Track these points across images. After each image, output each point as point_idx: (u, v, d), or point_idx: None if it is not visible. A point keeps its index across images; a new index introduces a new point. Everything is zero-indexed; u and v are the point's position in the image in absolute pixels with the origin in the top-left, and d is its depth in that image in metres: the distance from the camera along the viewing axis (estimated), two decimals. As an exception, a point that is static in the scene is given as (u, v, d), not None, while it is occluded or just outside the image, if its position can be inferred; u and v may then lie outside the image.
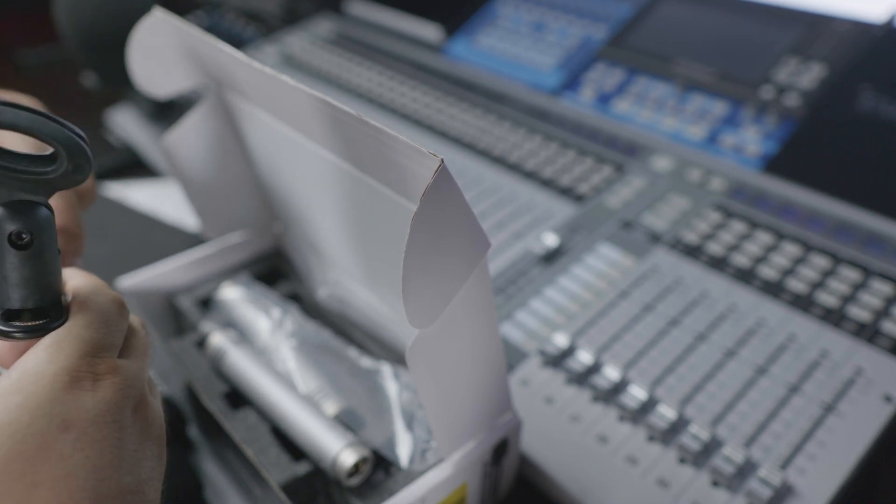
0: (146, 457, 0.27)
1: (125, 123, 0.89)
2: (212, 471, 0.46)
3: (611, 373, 0.46)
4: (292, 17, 1.09)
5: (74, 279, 0.30)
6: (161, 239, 0.68)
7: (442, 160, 0.25)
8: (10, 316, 0.27)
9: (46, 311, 0.27)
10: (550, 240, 0.57)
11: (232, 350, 0.44)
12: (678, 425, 0.43)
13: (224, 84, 0.43)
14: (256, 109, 0.41)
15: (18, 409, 0.24)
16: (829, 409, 0.43)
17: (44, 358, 0.26)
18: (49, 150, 0.25)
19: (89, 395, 0.25)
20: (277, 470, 0.38)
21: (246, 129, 0.47)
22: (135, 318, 0.31)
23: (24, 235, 0.25)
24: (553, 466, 0.43)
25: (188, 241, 0.65)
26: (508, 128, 0.75)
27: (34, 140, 0.28)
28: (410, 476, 0.37)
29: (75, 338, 0.27)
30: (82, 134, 0.25)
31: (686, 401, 0.45)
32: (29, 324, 0.27)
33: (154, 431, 0.28)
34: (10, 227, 0.25)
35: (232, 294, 0.50)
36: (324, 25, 1.05)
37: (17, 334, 0.27)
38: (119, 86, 0.85)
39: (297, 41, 1.01)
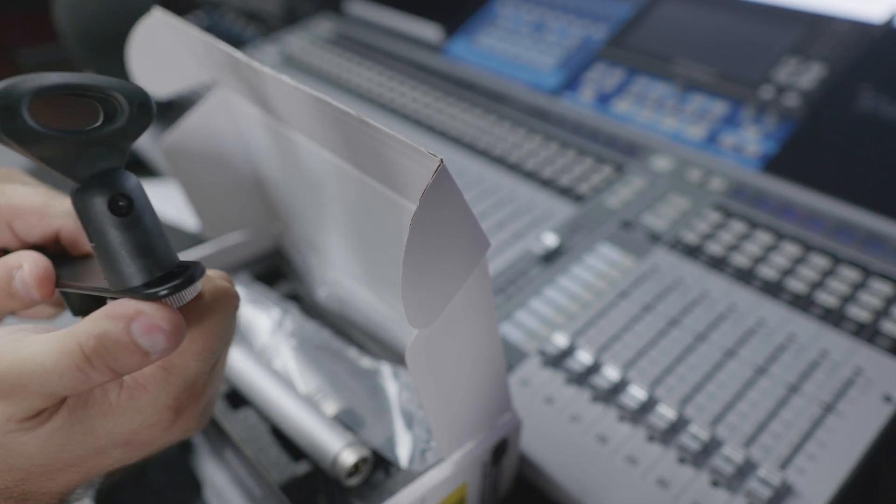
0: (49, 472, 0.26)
1: (125, 123, 0.89)
2: (212, 471, 0.46)
3: (611, 373, 0.46)
4: (292, 17, 1.09)
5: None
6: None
7: (441, 160, 0.25)
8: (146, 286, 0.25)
9: (173, 275, 0.26)
10: (550, 240, 0.57)
11: (231, 350, 0.44)
12: (678, 425, 0.43)
13: (224, 84, 0.43)
14: (256, 109, 0.41)
15: None
16: (828, 409, 0.43)
17: None
18: (99, 119, 0.25)
19: None
20: (277, 470, 0.38)
21: (246, 129, 0.47)
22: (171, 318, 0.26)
23: (120, 202, 0.25)
24: (553, 466, 0.43)
25: (188, 241, 0.65)
26: (508, 128, 0.75)
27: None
28: (410, 476, 0.37)
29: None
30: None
31: (686, 401, 0.45)
32: (171, 283, 0.25)
33: (90, 442, 0.26)
34: (105, 197, 0.24)
35: (232, 294, 0.50)
36: (324, 25, 1.05)
37: (163, 292, 0.25)
38: (119, 86, 0.85)
39: (297, 41, 1.01)
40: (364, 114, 0.27)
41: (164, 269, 0.26)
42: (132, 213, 0.25)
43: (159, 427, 0.27)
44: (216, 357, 0.28)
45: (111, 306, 0.25)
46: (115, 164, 0.25)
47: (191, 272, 0.26)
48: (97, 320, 0.25)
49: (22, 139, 0.22)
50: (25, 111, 0.22)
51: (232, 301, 0.29)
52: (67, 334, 0.25)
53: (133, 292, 0.25)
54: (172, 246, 0.27)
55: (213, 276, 0.29)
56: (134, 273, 0.25)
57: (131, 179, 0.26)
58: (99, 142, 0.24)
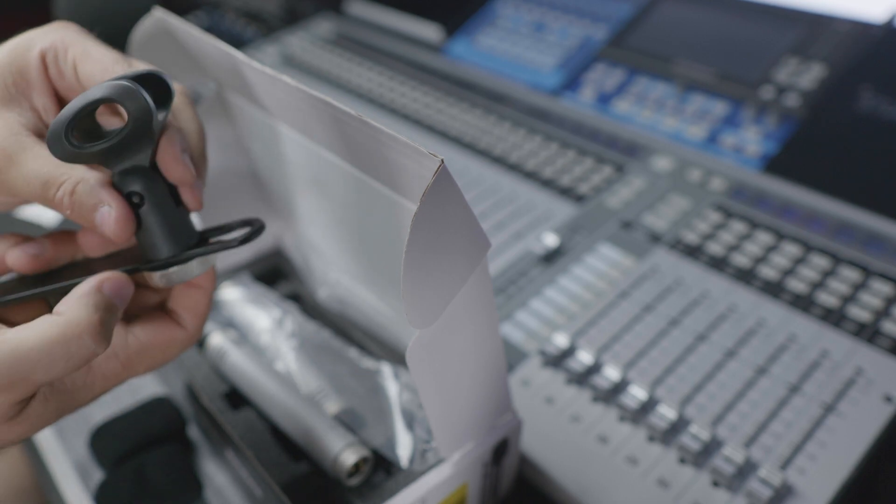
0: None
1: (125, 123, 0.89)
2: (212, 471, 0.46)
3: (611, 373, 0.46)
4: (292, 17, 1.09)
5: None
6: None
7: (442, 160, 0.25)
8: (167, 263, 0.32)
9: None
10: (550, 240, 0.57)
11: (232, 350, 0.44)
12: (678, 425, 0.43)
13: (224, 84, 0.43)
14: (256, 109, 0.41)
15: None
16: (829, 409, 0.43)
17: None
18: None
19: None
20: (277, 470, 0.38)
21: (246, 129, 0.47)
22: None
23: (134, 198, 0.31)
24: (553, 466, 0.43)
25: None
26: (508, 128, 0.75)
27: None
28: (411, 476, 0.37)
29: None
30: (135, 78, 0.29)
31: (686, 401, 0.45)
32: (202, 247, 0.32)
33: None
34: (122, 192, 0.30)
35: (232, 294, 0.50)
36: (324, 25, 1.05)
37: (194, 254, 0.32)
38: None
39: (297, 41, 1.01)
40: (364, 114, 0.27)
41: (178, 249, 0.32)
42: (143, 207, 0.31)
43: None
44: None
45: (78, 287, 0.29)
46: (137, 163, 0.30)
47: (187, 254, 0.32)
48: (82, 298, 0.28)
49: (65, 158, 0.29)
50: (65, 137, 0.28)
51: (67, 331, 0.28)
52: (57, 322, 0.27)
53: (153, 264, 0.32)
54: (189, 232, 0.32)
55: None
56: (159, 250, 0.32)
57: (142, 180, 0.30)
58: (115, 150, 0.29)
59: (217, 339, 0.45)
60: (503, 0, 0.94)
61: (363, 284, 0.45)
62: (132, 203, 0.31)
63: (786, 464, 0.41)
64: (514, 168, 0.68)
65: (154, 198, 0.31)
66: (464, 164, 0.70)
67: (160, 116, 0.30)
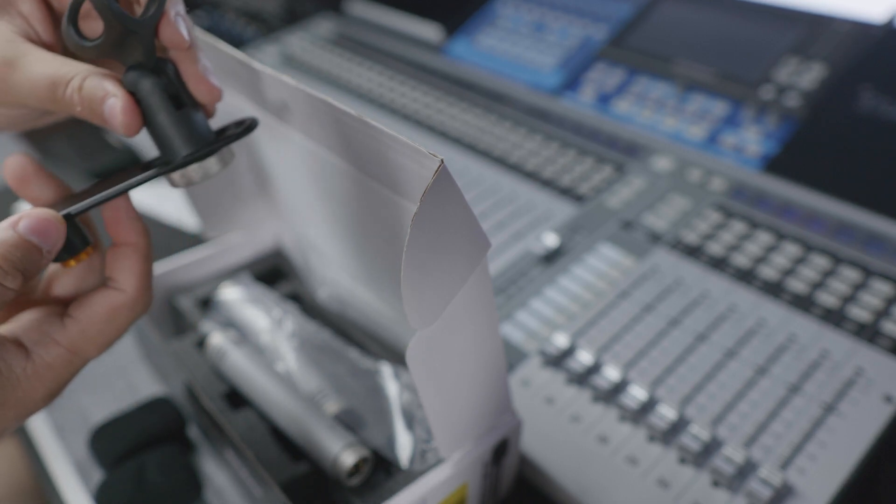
0: None
1: (125, 123, 0.89)
2: (212, 471, 0.46)
3: (611, 373, 0.46)
4: (292, 17, 1.09)
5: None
6: (161, 239, 0.68)
7: (442, 160, 0.25)
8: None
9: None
10: (551, 240, 0.57)
11: (232, 350, 0.44)
12: (678, 425, 0.43)
13: (224, 84, 0.43)
14: (256, 109, 0.41)
15: None
16: (829, 409, 0.43)
17: None
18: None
19: None
20: (277, 470, 0.38)
21: (246, 129, 0.46)
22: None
23: (137, 94, 0.31)
24: (553, 466, 0.43)
25: (188, 241, 0.65)
26: (509, 128, 0.75)
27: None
28: (410, 476, 0.37)
29: None
30: None
31: (686, 401, 0.45)
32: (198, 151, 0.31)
33: None
34: (130, 89, 0.31)
35: (232, 294, 0.50)
36: (324, 25, 1.05)
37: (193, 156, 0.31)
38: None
39: (297, 41, 1.01)
40: (364, 114, 0.27)
41: (194, 147, 0.31)
42: (143, 102, 0.31)
43: (48, 400, 0.30)
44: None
45: (3, 222, 0.29)
46: (135, 60, 0.30)
47: (202, 150, 0.31)
48: None
49: (74, 50, 0.30)
50: (71, 29, 0.29)
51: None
52: None
53: (158, 164, 0.32)
54: (194, 133, 0.32)
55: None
56: (167, 152, 0.32)
57: (142, 77, 0.31)
58: (106, 48, 0.30)
59: (217, 339, 0.45)
60: (503, 0, 0.94)
61: (363, 284, 0.45)
62: (137, 99, 0.31)
63: (786, 464, 0.41)
64: (515, 168, 0.68)
65: (156, 93, 0.31)
66: (464, 164, 0.70)
67: (150, 10, 0.30)
